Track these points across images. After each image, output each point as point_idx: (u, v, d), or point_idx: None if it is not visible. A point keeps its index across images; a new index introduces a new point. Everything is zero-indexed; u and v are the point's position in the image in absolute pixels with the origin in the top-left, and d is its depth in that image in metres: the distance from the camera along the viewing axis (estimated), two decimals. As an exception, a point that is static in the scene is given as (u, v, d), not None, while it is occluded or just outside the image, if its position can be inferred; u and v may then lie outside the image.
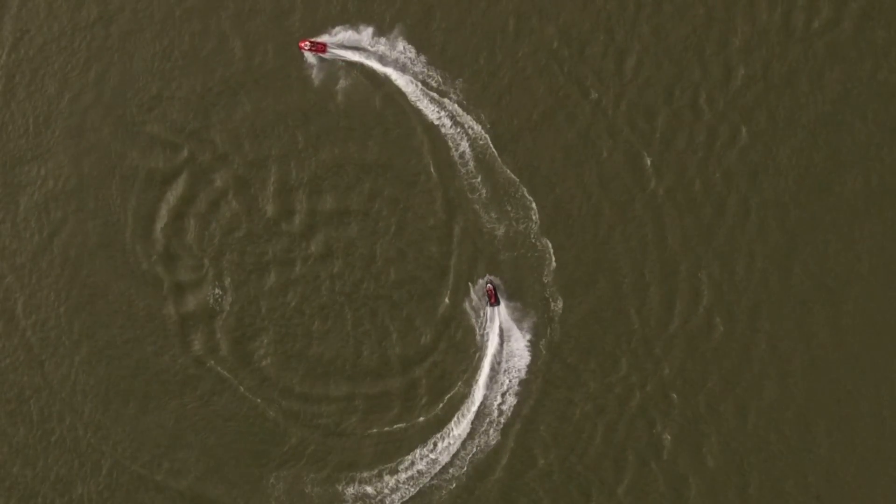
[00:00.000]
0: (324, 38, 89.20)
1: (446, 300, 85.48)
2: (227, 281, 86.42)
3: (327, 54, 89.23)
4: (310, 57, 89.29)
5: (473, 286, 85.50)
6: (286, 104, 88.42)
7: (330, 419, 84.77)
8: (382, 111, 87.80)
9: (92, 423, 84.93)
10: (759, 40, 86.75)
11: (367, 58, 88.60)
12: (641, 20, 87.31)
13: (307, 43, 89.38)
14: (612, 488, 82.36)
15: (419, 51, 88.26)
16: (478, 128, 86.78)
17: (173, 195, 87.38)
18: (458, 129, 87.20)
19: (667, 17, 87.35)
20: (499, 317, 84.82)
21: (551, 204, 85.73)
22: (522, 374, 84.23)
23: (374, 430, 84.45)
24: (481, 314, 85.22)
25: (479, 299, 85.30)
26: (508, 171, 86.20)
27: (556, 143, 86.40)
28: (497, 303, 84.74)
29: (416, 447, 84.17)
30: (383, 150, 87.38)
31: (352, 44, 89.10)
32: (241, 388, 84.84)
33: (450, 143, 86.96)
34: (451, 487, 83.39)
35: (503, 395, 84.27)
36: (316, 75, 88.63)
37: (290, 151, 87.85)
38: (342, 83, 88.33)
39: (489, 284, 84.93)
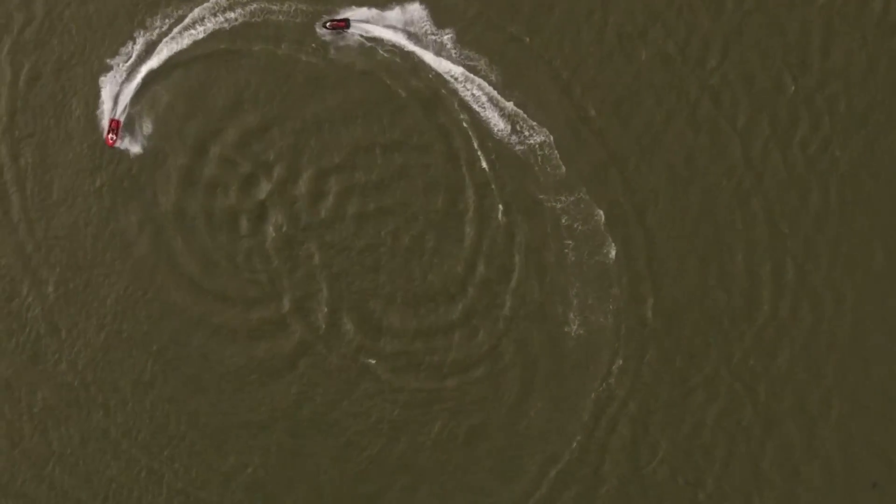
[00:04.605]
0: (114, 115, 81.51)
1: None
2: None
3: (122, 122, 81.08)
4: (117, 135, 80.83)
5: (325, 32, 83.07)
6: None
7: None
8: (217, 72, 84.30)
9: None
10: (840, 31, 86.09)
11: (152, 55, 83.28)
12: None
13: (111, 135, 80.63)
14: (701, 479, 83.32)
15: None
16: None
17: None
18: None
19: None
20: (368, 23, 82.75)
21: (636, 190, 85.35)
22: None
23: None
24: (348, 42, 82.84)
25: (336, 36, 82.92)
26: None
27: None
28: (347, 24, 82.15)
29: None
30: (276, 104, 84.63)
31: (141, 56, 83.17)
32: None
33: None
34: None
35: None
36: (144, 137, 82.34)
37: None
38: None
39: (327, 23, 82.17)
